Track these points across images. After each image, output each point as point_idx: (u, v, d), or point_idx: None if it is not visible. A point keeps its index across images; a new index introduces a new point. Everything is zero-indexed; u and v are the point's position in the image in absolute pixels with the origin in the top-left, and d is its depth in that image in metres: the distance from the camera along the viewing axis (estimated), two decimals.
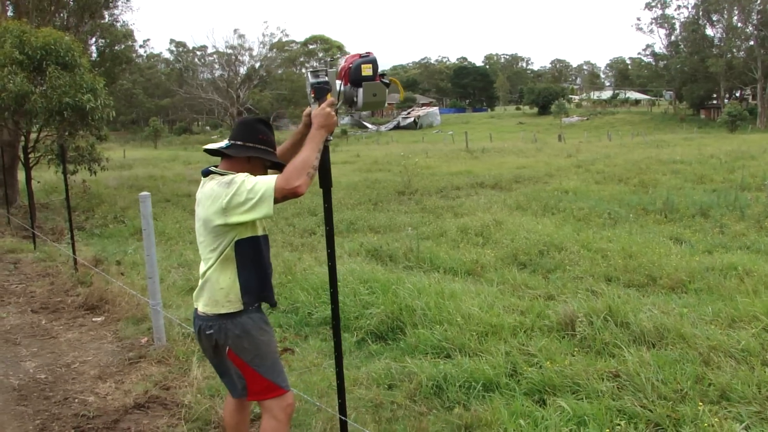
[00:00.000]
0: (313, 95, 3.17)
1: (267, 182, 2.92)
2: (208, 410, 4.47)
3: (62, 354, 5.98)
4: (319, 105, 3.14)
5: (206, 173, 3.24)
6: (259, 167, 3.27)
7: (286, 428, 3.31)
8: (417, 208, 15.95)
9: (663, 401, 4.39)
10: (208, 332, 3.20)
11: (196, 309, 3.29)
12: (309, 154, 2.99)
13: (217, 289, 3.16)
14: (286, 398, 3.29)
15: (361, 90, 3.20)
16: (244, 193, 2.93)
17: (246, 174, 3.05)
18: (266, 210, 2.93)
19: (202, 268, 3.26)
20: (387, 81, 3.24)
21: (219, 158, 3.32)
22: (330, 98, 3.14)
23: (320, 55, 74.96)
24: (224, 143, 3.25)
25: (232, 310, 3.17)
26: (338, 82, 3.25)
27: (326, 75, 3.21)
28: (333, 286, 3.45)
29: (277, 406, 3.26)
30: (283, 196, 2.92)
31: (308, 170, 2.95)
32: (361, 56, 3.23)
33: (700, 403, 4.25)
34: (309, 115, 3.26)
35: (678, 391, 4.51)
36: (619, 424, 4.09)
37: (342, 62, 3.32)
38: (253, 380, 3.23)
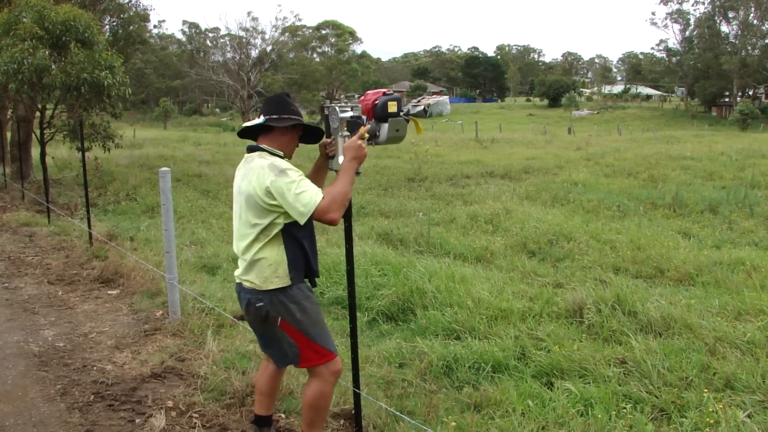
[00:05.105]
0: (345, 128, 3.32)
1: (313, 197, 3.09)
2: (224, 381, 4.57)
3: (79, 324, 6.11)
4: (350, 137, 3.28)
5: (252, 149, 3.36)
6: (295, 138, 3.44)
7: (332, 392, 3.48)
8: (427, 194, 16.04)
9: (668, 388, 4.49)
10: (258, 305, 3.30)
11: (241, 283, 3.39)
12: (347, 187, 3.18)
13: (266, 266, 3.26)
14: (335, 363, 3.44)
15: (386, 125, 3.38)
16: (291, 194, 3.09)
17: (300, 173, 3.18)
18: (301, 219, 3.13)
19: (242, 243, 3.34)
20: (407, 118, 3.43)
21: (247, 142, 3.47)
22: (362, 129, 3.28)
23: (332, 40, 74.74)
24: (260, 120, 3.37)
25: (281, 285, 3.28)
26: (363, 117, 3.41)
27: (353, 110, 3.37)
28: (351, 298, 3.56)
29: (327, 371, 3.40)
30: (318, 218, 3.12)
31: (345, 203, 3.17)
32: (384, 93, 3.42)
33: (705, 391, 4.34)
34: (325, 146, 3.47)
35: (683, 379, 4.61)
36: (624, 408, 4.19)
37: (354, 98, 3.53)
38: (306, 347, 3.35)
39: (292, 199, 3.08)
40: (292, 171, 3.16)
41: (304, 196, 3.08)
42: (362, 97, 3.46)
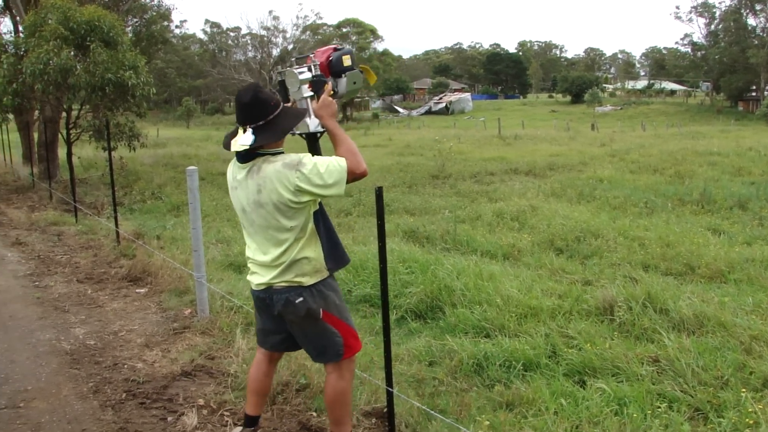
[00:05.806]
0: (310, 88, 3.30)
1: (339, 164, 3.08)
2: None
3: (109, 322, 6.15)
4: (318, 97, 3.28)
5: (251, 157, 3.19)
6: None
7: (351, 386, 3.50)
8: (451, 192, 15.98)
9: (704, 387, 4.41)
10: (298, 300, 3.24)
11: (270, 287, 3.31)
12: (348, 141, 3.19)
13: (305, 264, 3.24)
14: (354, 359, 3.49)
15: (344, 80, 3.42)
16: (318, 175, 3.05)
17: (308, 155, 3.15)
18: (340, 191, 3.10)
19: (276, 250, 3.24)
20: (361, 69, 3.49)
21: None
22: (327, 87, 3.29)
23: (353, 38, 74.86)
24: (248, 136, 3.15)
25: (319, 279, 3.29)
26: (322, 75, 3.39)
27: (312, 70, 3.34)
28: (383, 283, 3.53)
29: (346, 367, 3.42)
30: (353, 178, 3.12)
31: (359, 153, 3.16)
32: (336, 49, 3.44)
33: (743, 390, 4.26)
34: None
35: (719, 378, 4.53)
36: (659, 407, 4.12)
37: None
38: (348, 334, 3.39)
39: (322, 180, 3.04)
40: (304, 157, 3.10)
41: (330, 168, 3.06)
42: (312, 56, 3.45)
